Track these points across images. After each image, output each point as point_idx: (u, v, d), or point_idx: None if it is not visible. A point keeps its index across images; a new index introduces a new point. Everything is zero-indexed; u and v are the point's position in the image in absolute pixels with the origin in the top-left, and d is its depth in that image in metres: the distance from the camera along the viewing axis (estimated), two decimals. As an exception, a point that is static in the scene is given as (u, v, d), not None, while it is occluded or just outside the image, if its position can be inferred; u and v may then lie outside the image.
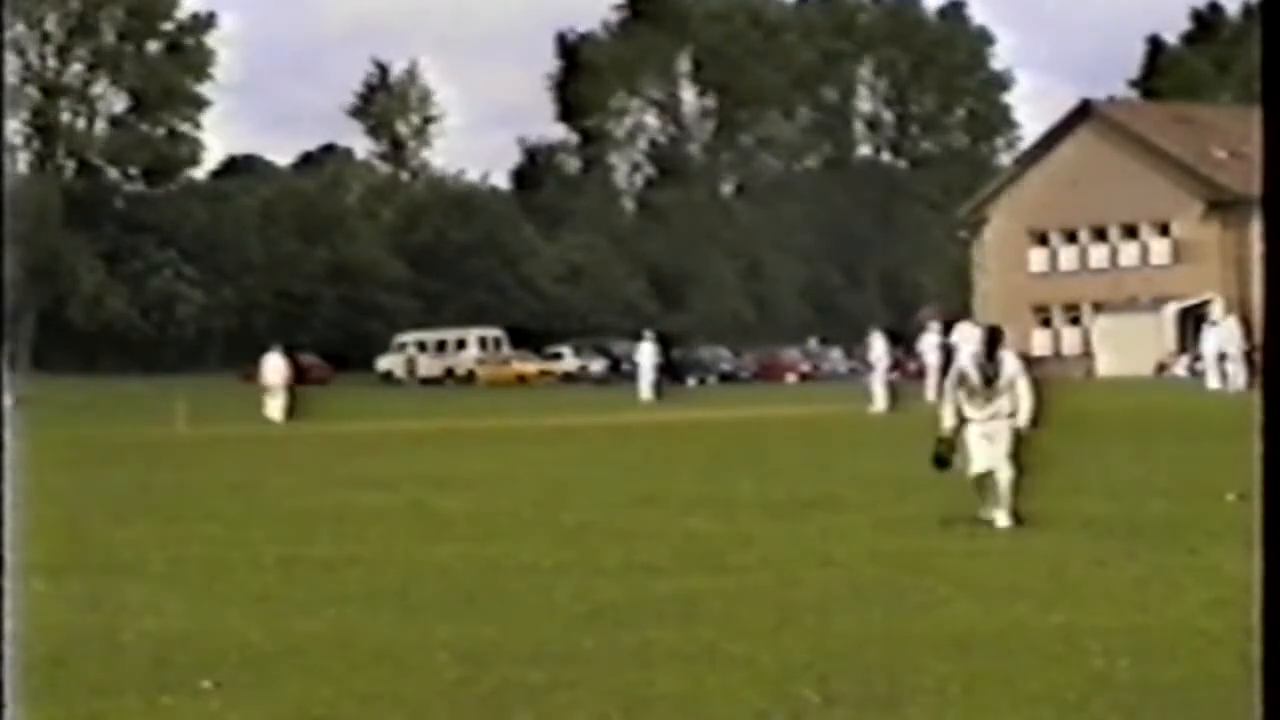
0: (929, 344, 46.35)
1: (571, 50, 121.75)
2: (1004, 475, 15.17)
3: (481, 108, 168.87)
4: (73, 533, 16.06)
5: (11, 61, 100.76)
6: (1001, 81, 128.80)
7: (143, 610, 11.47)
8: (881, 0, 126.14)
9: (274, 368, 45.37)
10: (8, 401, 39.51)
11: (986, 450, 15.17)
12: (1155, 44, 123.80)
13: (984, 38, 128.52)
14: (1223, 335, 48.67)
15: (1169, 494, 17.82)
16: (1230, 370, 46.67)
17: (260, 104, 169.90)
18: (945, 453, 15.45)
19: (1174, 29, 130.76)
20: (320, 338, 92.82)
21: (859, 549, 13.86)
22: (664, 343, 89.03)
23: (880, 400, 40.72)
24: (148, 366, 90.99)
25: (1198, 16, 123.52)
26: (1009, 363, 15.36)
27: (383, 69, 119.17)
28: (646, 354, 55.34)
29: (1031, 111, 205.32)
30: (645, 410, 46.50)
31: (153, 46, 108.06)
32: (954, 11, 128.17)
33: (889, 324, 52.99)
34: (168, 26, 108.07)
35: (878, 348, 43.07)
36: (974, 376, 15.24)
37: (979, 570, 12.48)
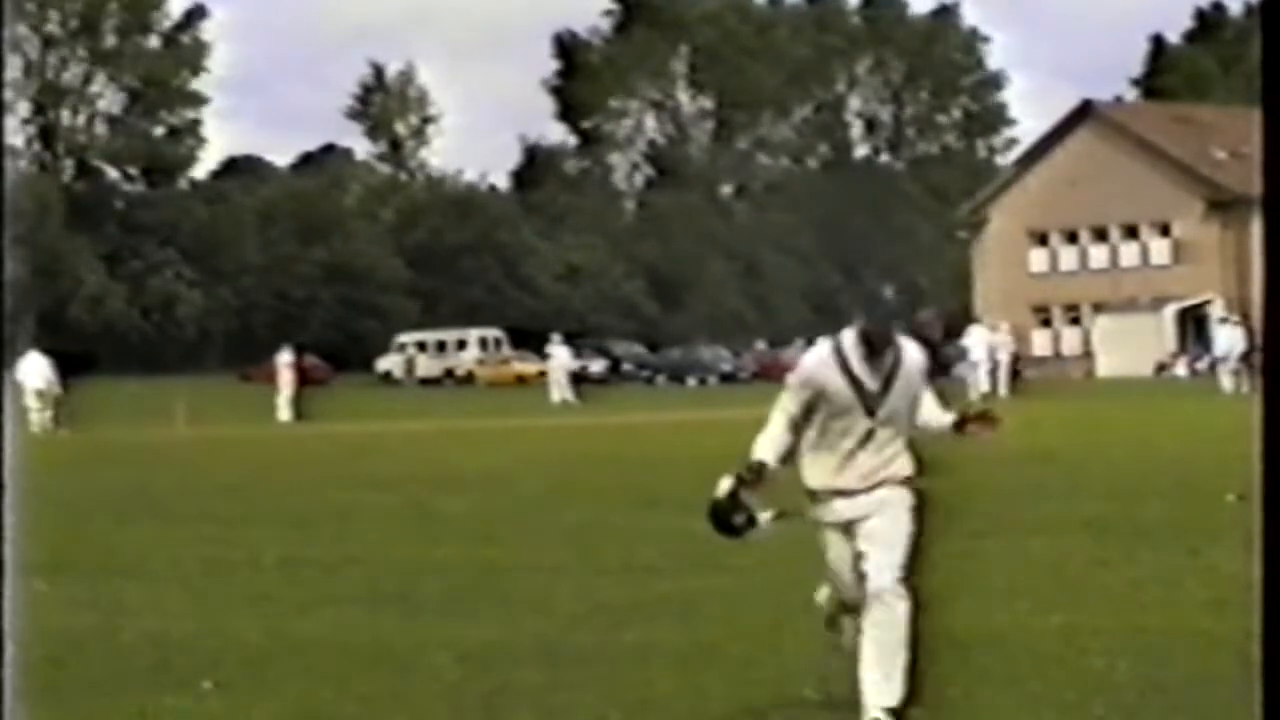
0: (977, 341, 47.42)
1: (569, 51, 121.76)
2: (886, 629, 7.92)
3: (482, 108, 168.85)
4: (73, 533, 16.05)
5: (12, 61, 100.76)
6: (996, 81, 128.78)
7: (143, 610, 11.47)
8: (874, 1, 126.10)
9: (286, 367, 45.62)
10: (32, 403, 39.62)
11: (847, 555, 7.99)
12: (1158, 43, 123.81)
13: (977, 36, 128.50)
14: (1233, 336, 48.58)
15: (1166, 494, 17.80)
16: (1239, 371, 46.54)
17: (261, 104, 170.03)
18: (725, 508, 7.97)
19: (1176, 28, 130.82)
20: (319, 338, 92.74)
21: (859, 549, 13.82)
22: (652, 345, 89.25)
23: None
24: (147, 367, 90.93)
25: (1200, 15, 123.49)
26: (910, 361, 7.97)
27: (379, 70, 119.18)
28: (559, 357, 55.94)
29: (1032, 111, 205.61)
30: (649, 410, 46.47)
31: (149, 43, 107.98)
32: (946, 12, 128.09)
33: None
34: (163, 22, 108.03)
35: None
36: (842, 396, 7.82)
37: (979, 570, 12.47)
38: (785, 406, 7.96)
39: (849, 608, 8.22)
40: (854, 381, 7.87)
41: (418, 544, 15.02)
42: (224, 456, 29.34)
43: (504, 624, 10.64)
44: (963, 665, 8.99)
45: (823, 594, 8.50)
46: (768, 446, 7.98)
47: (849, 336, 7.83)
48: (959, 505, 15.57)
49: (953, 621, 10.37)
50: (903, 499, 8.05)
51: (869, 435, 7.90)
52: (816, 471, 7.99)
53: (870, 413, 7.88)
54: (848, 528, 8.01)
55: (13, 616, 6.66)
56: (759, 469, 7.98)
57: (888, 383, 7.91)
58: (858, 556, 7.99)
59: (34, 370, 40.46)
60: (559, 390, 54.16)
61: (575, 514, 16.70)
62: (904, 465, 8.08)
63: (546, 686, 8.71)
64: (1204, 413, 35.16)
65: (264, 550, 14.55)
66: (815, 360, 7.92)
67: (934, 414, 8.14)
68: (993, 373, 48.93)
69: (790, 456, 8.03)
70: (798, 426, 7.95)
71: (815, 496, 8.06)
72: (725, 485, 8.06)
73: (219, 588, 12.61)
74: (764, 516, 8.05)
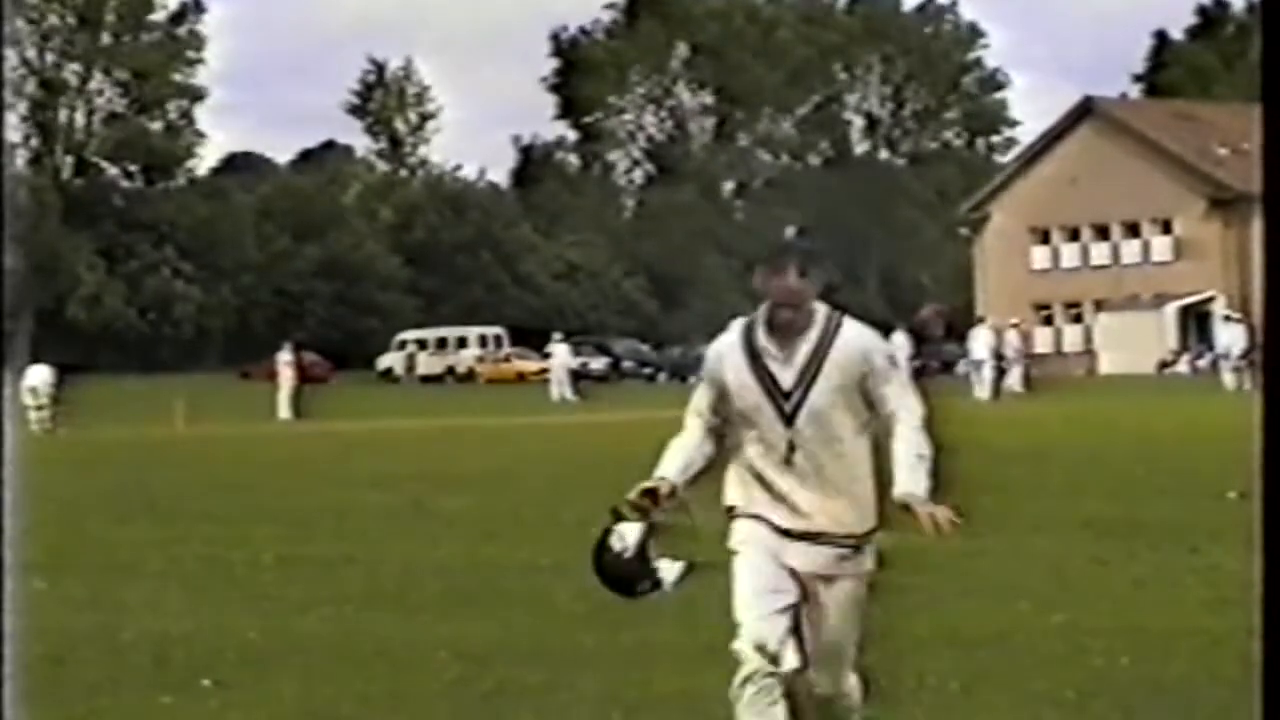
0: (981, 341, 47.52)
1: (568, 48, 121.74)
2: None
3: (483, 105, 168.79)
4: (71, 532, 16.04)
5: (10, 58, 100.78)
6: (995, 79, 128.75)
7: (142, 609, 11.46)
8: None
9: (286, 365, 45.70)
10: (29, 400, 39.63)
11: (780, 617, 5.94)
12: (1160, 39, 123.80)
13: (975, 32, 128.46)
14: (1234, 333, 48.60)
15: (1167, 492, 17.79)
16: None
17: (261, 101, 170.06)
18: (618, 567, 6.07)
19: (1177, 25, 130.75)
20: (318, 336, 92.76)
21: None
22: (657, 344, 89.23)
23: None
24: (146, 364, 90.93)
25: (1203, 11, 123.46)
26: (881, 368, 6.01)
27: (379, 66, 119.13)
28: (560, 355, 56.14)
29: (1033, 109, 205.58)
30: (650, 408, 46.44)
31: (146, 38, 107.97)
32: (944, 8, 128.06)
33: (889, 322, 53.08)
34: (158, 17, 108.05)
35: (902, 345, 43.41)
36: (747, 393, 5.99)
37: (979, 570, 12.45)
38: (696, 405, 6.11)
39: (775, 668, 5.86)
40: (760, 373, 5.88)
41: (417, 543, 15.00)
42: (223, 455, 29.33)
43: (504, 623, 10.63)
44: (963, 664, 8.97)
45: (748, 657, 5.91)
46: (675, 459, 6.00)
47: (763, 310, 5.92)
48: (958, 503, 15.53)
49: (953, 620, 10.35)
50: (854, 584, 5.97)
51: (790, 452, 5.82)
52: (737, 490, 6.02)
53: (787, 419, 5.84)
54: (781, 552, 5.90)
55: (12, 616, 6.64)
56: (668, 494, 5.88)
57: (808, 376, 5.85)
58: (792, 607, 5.88)
59: (32, 369, 40.50)
60: (559, 388, 54.19)
61: (575, 512, 16.68)
62: (856, 511, 5.90)
63: (546, 686, 8.70)
64: (1206, 410, 35.14)
65: (263, 549, 14.54)
66: (721, 342, 6.03)
67: (897, 449, 5.87)
68: (999, 372, 48.94)
69: (711, 468, 6.03)
70: (718, 432, 6.04)
71: (734, 516, 6.02)
72: (629, 532, 5.95)
73: (218, 586, 12.60)
74: (671, 569, 5.96)
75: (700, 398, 6.09)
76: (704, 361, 6.10)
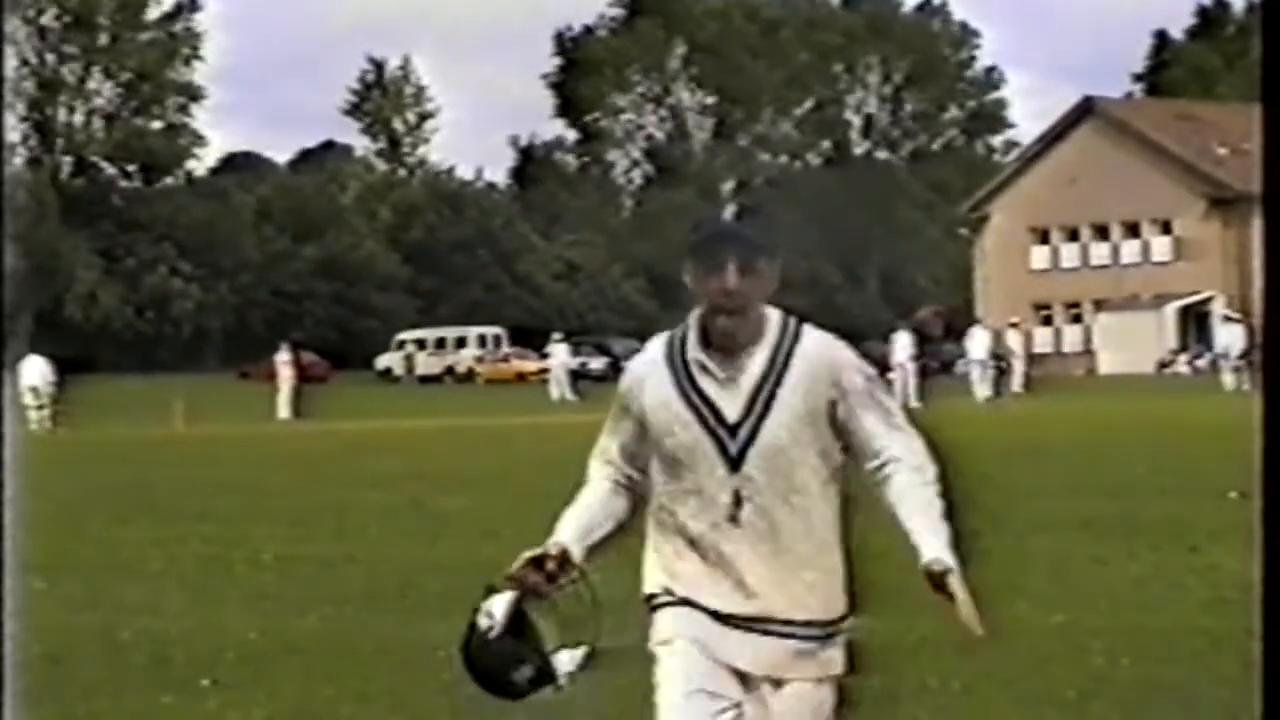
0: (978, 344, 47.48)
1: (570, 47, 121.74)
2: None
3: (482, 104, 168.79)
4: (71, 532, 16.03)
5: (9, 58, 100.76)
6: (991, 78, 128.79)
7: (141, 609, 11.45)
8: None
9: (285, 364, 45.75)
10: (29, 400, 39.67)
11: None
12: (1161, 38, 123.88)
13: (973, 32, 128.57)
14: (1233, 333, 48.61)
15: (1167, 492, 17.77)
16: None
17: (260, 101, 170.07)
18: (484, 654, 4.56)
19: (1176, 24, 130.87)
20: (317, 335, 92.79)
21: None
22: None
23: (913, 397, 40.72)
24: (144, 364, 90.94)
25: (1203, 11, 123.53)
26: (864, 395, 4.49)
27: (378, 66, 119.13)
28: (559, 355, 56.32)
29: (1033, 109, 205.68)
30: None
31: (143, 36, 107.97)
32: (938, 9, 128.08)
33: (890, 322, 53.17)
34: (155, 15, 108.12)
35: (906, 345, 43.41)
36: (680, 427, 4.46)
37: (979, 569, 12.42)
38: (603, 450, 4.61)
39: None
40: (694, 401, 4.40)
41: (417, 542, 15.00)
42: (222, 454, 29.33)
43: (503, 623, 10.60)
44: (963, 663, 8.96)
45: None
46: (573, 521, 4.56)
47: (695, 318, 4.46)
48: (958, 503, 15.52)
49: (953, 619, 10.34)
50: (815, 690, 4.45)
51: (736, 507, 4.36)
52: (658, 571, 4.52)
53: (732, 461, 4.38)
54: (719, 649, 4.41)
55: (12, 616, 6.63)
56: (558, 564, 4.46)
57: (759, 403, 4.39)
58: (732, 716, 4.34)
59: (31, 368, 40.51)
60: (559, 388, 54.21)
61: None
62: (822, 589, 4.42)
63: (545, 686, 8.67)
64: (1206, 410, 35.13)
65: (262, 548, 14.53)
66: (639, 363, 4.56)
67: (905, 502, 4.42)
68: (998, 372, 48.94)
69: (621, 533, 4.61)
70: (632, 488, 4.56)
71: (656, 606, 4.52)
72: (497, 605, 4.45)
73: (217, 586, 12.59)
74: (566, 657, 4.51)
75: (609, 439, 4.56)
76: (620, 384, 4.57)
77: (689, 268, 4.41)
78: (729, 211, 3.65)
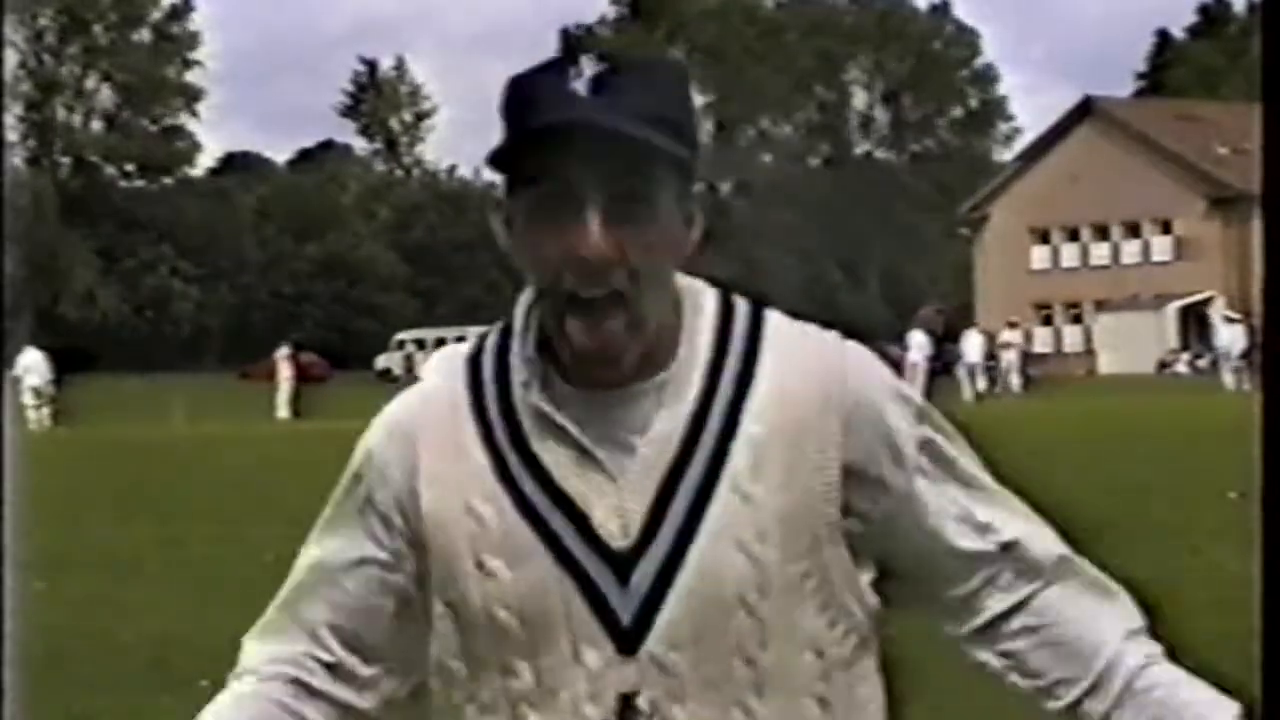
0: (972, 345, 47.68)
1: (574, 45, 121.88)
2: None
3: (484, 105, 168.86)
4: (70, 531, 16.02)
5: (8, 58, 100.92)
6: (989, 78, 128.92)
7: (141, 609, 11.45)
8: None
9: (284, 365, 45.80)
10: (29, 400, 39.68)
11: None
12: (1162, 38, 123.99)
13: (973, 32, 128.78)
14: (1234, 333, 48.64)
15: (1167, 492, 17.77)
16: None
17: (260, 101, 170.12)
18: None
19: (1177, 24, 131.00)
20: (317, 335, 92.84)
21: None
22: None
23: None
24: (144, 364, 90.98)
25: (1204, 10, 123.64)
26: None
27: (371, 66, 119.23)
28: None
29: (1033, 108, 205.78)
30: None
31: (141, 36, 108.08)
32: (939, 8, 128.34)
33: (891, 322, 53.17)
34: (153, 15, 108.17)
35: (922, 345, 43.38)
36: (560, 605, 2.01)
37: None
38: (289, 615, 2.48)
39: None
40: (531, 499, 2.08)
41: (417, 542, 14.97)
42: (222, 454, 29.31)
43: (503, 623, 10.59)
44: (963, 665, 8.95)
45: None
46: None
47: (525, 316, 2.34)
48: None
49: (953, 620, 10.34)
50: None
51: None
52: None
53: (622, 634, 2.02)
54: None
55: (11, 616, 6.63)
56: None
57: (683, 492, 2.04)
58: None
59: (31, 367, 40.53)
60: None
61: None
62: None
63: (545, 686, 8.66)
64: (1206, 410, 35.12)
65: (262, 549, 14.50)
66: (404, 417, 2.44)
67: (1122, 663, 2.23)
68: (992, 372, 48.97)
69: None
70: (340, 687, 2.37)
71: None
72: None
73: (217, 586, 12.58)
74: None
75: (306, 596, 2.51)
76: (348, 473, 2.52)
77: (496, 207, 2.25)
78: (581, 78, 1.99)
